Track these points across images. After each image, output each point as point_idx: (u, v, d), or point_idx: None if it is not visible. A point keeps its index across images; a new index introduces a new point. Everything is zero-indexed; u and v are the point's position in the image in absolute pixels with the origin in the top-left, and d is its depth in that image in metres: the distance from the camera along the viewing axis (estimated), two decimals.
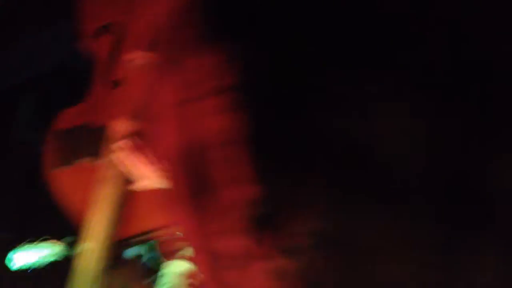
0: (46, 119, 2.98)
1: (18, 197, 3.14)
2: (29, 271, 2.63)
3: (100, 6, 2.39)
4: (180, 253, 1.99)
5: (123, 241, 2.08)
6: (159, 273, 2.04)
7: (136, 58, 2.20)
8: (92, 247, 1.99)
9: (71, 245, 2.46)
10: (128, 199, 2.03)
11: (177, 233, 2.05)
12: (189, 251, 1.87)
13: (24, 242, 2.66)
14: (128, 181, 1.98)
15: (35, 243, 2.63)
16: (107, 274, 2.00)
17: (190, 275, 1.86)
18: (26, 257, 2.65)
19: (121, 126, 2.09)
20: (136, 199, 2.01)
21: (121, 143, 1.96)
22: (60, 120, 2.26)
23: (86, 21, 2.39)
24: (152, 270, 2.07)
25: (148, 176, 1.88)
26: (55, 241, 2.61)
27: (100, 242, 1.99)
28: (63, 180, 2.15)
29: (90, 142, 2.14)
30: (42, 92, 3.27)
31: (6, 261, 2.60)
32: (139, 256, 2.11)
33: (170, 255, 2.04)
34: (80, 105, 2.30)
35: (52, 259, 2.58)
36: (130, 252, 2.10)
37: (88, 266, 1.97)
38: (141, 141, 1.96)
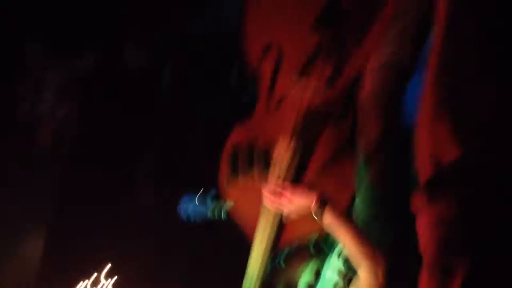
0: None
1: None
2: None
3: (263, 27, 2.59)
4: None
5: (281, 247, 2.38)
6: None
7: (299, 81, 2.37)
8: (258, 251, 2.31)
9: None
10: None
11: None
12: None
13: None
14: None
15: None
16: (269, 273, 2.33)
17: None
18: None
19: (281, 146, 2.33)
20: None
21: (270, 188, 2.24)
22: (232, 136, 2.56)
23: (250, 39, 2.59)
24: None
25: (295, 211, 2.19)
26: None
27: (264, 247, 2.30)
28: (234, 191, 2.49)
29: (257, 159, 2.42)
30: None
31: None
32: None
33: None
34: (247, 122, 2.58)
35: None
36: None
37: (254, 266, 2.30)
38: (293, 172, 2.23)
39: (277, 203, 2.24)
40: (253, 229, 2.34)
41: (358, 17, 2.37)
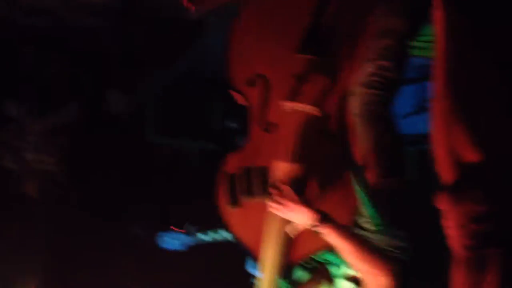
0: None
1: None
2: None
3: (248, 58, 2.66)
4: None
5: (290, 265, 2.43)
6: None
7: (290, 105, 2.46)
8: (266, 274, 2.34)
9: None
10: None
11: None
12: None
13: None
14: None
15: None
16: None
17: None
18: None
19: (280, 168, 2.41)
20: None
21: (274, 192, 2.31)
22: (227, 163, 2.60)
23: (236, 69, 2.67)
24: None
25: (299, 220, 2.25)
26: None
27: (271, 269, 2.33)
28: (235, 216, 2.52)
29: (255, 183, 2.48)
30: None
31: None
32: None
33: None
34: (242, 149, 2.63)
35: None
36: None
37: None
38: (296, 187, 2.27)
39: (281, 209, 2.30)
40: (258, 246, 2.39)
41: (341, 36, 2.48)
